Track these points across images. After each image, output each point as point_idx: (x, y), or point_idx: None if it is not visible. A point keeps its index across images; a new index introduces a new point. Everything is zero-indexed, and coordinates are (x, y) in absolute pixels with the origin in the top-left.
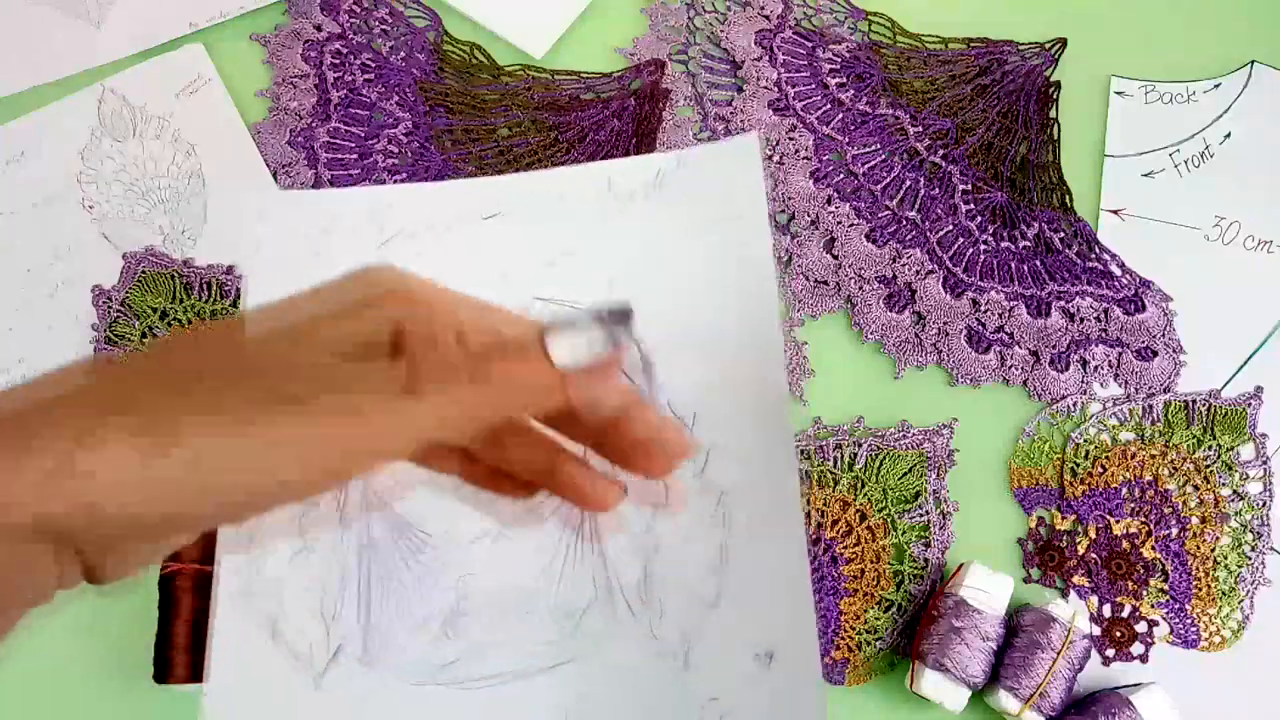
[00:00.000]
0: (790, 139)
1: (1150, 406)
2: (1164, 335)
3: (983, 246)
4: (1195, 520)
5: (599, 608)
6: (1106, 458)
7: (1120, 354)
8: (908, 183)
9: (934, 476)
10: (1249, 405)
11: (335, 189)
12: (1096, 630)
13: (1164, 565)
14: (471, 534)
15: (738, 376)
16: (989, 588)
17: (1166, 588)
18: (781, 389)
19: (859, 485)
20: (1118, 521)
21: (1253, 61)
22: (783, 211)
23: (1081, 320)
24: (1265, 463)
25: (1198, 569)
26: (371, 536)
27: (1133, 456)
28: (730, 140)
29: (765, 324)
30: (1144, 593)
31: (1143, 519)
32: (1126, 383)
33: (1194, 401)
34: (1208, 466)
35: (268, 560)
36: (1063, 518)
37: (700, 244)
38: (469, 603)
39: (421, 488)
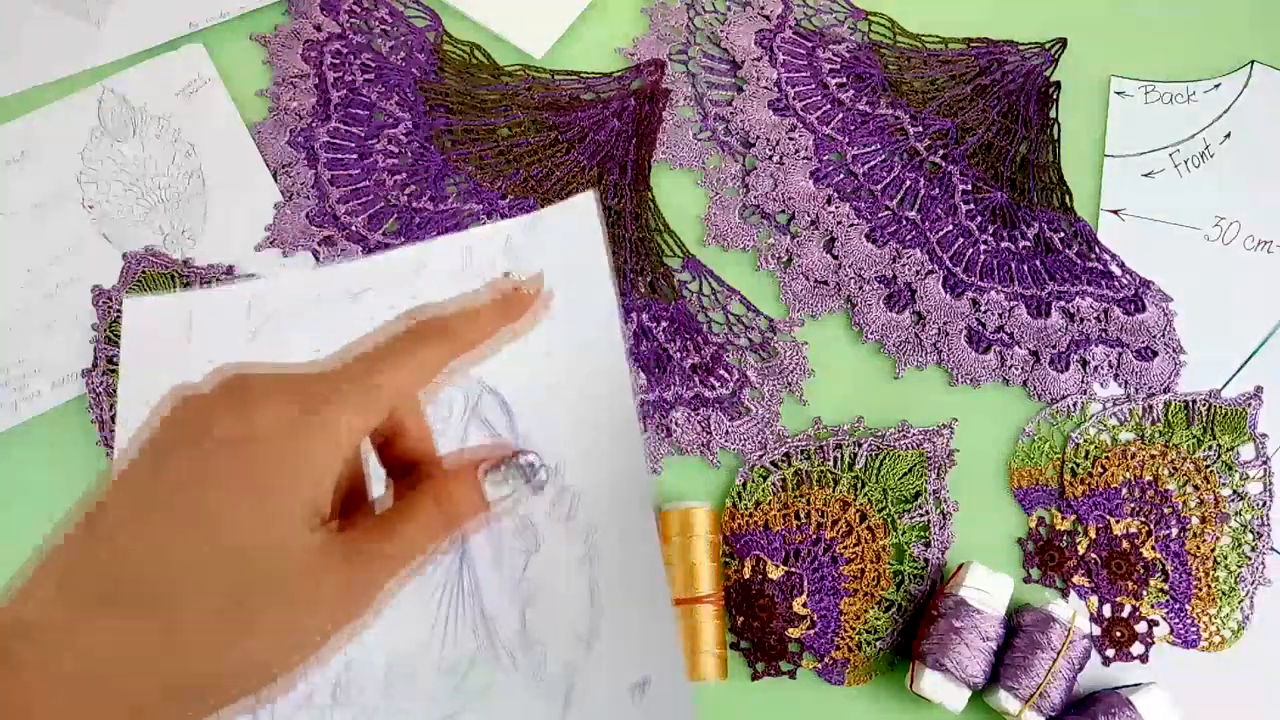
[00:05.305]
0: (790, 139)
1: (1150, 406)
2: (1164, 335)
3: (983, 246)
4: (1195, 520)
5: (482, 660)
6: (1106, 458)
7: (1120, 354)
8: (908, 183)
9: (934, 476)
10: (1249, 405)
11: (212, 288)
12: (1096, 630)
13: (1164, 565)
14: None
15: (594, 422)
16: (989, 588)
17: (1166, 588)
18: (633, 426)
19: (859, 485)
20: (1118, 521)
21: (1253, 61)
22: (783, 212)
23: (1081, 320)
24: (1265, 463)
25: (1198, 569)
26: None
27: (1133, 456)
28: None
29: (614, 369)
30: (1144, 593)
31: (1143, 519)
32: (1126, 383)
33: (1194, 401)
34: (1208, 466)
35: None
36: (1063, 518)
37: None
38: (355, 670)
39: None
